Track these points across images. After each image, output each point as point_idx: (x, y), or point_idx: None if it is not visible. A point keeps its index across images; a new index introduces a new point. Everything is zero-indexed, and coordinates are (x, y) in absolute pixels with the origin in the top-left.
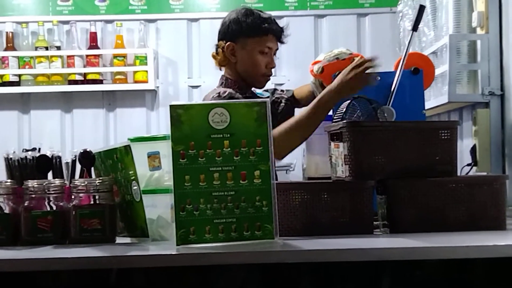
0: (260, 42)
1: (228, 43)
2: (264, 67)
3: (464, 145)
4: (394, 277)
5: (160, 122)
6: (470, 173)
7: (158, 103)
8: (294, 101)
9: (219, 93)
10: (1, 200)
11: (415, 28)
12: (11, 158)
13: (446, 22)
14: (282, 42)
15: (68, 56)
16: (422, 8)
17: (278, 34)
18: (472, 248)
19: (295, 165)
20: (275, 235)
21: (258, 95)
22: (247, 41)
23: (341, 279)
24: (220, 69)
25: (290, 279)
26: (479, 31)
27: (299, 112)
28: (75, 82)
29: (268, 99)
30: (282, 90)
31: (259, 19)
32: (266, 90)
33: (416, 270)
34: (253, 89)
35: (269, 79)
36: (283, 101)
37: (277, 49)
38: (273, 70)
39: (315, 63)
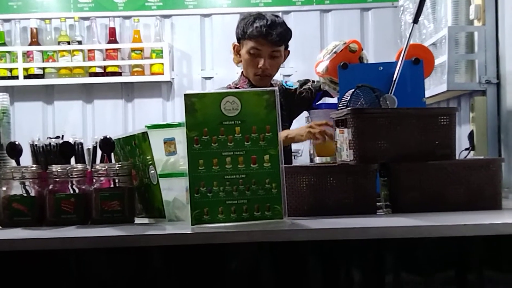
0: (249, 44)
1: (235, 43)
2: (255, 68)
3: (462, 131)
4: (396, 254)
5: (175, 112)
6: (468, 157)
7: (173, 94)
8: (317, 90)
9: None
10: (27, 183)
11: (415, 20)
12: (36, 145)
13: (445, 15)
14: (276, 45)
15: (89, 50)
16: (422, 2)
17: (266, 37)
18: (469, 226)
19: (303, 151)
20: (284, 215)
21: (287, 86)
22: (242, 42)
23: (346, 256)
24: (238, 66)
25: (298, 256)
26: (476, 23)
27: None
28: (96, 74)
29: (276, 88)
30: (313, 81)
31: (250, 23)
32: (298, 81)
33: (417, 247)
34: (283, 80)
35: (266, 79)
36: (306, 90)
37: (274, 51)
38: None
39: (318, 64)
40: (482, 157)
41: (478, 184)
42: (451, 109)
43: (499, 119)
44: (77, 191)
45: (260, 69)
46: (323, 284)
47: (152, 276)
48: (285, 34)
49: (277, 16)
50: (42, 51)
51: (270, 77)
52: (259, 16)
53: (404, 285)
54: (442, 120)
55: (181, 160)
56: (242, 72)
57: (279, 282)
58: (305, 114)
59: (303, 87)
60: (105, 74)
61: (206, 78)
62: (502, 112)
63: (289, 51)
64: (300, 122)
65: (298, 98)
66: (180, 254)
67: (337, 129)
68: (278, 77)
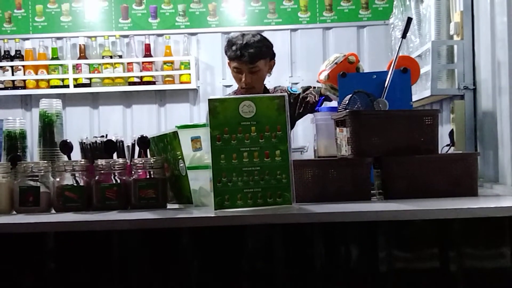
0: (232, 64)
1: (228, 61)
2: (240, 82)
3: (444, 130)
4: (387, 234)
5: (200, 115)
6: (449, 152)
7: (199, 99)
8: (320, 95)
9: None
10: (77, 175)
11: (404, 36)
12: (84, 143)
13: (429, 31)
14: (251, 63)
15: (128, 63)
16: (409, 20)
17: (241, 58)
18: (450, 210)
19: (308, 147)
20: (293, 201)
21: (292, 92)
22: (229, 62)
23: (345, 236)
24: None
25: (304, 236)
26: (455, 38)
27: None
28: (134, 83)
29: (286, 94)
30: (314, 87)
31: (230, 46)
32: (302, 87)
33: (405, 228)
34: (289, 86)
35: (251, 91)
36: (308, 95)
37: (252, 67)
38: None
39: (321, 73)
40: (460, 152)
41: (457, 174)
42: (434, 111)
43: (475, 119)
44: (118, 181)
45: (244, 83)
46: (326, 259)
47: (181, 253)
48: (258, 53)
49: (256, 35)
50: (89, 64)
51: (255, 89)
52: (237, 38)
53: (395, 260)
54: (426, 120)
55: (205, 155)
56: None
57: (289, 258)
58: (310, 116)
59: (305, 92)
60: (141, 83)
61: (226, 86)
62: (478, 113)
63: (274, 62)
64: (305, 124)
65: (302, 102)
66: (205, 234)
67: (337, 128)
68: (286, 84)
